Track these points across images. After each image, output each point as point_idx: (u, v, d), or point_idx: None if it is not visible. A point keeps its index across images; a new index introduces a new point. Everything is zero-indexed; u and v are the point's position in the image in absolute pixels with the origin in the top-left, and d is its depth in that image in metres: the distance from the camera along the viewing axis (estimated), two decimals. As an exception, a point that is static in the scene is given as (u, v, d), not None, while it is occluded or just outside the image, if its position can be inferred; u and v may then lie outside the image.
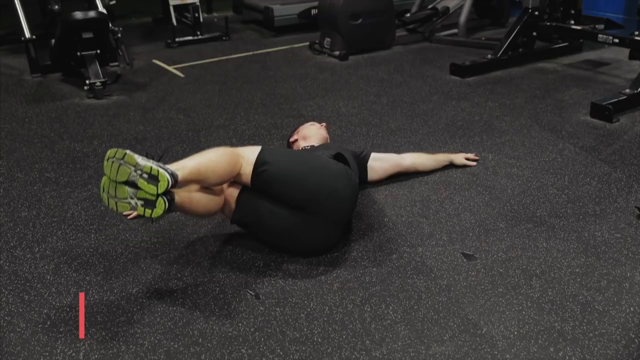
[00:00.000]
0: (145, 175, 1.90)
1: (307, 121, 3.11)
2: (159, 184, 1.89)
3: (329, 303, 2.03)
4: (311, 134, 2.88)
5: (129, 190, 1.91)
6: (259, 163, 2.16)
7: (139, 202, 1.91)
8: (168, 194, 1.94)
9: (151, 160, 1.94)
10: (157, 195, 1.90)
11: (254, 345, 1.85)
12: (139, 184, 1.89)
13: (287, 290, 2.10)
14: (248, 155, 2.19)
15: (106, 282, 2.18)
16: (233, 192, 2.23)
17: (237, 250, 2.36)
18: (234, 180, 2.20)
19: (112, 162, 1.93)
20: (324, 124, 3.03)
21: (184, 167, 2.02)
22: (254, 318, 1.97)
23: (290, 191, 2.18)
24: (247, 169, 2.16)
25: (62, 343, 1.88)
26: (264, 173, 2.16)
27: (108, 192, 1.95)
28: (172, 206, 1.98)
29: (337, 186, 2.23)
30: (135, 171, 1.90)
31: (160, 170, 1.90)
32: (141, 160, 1.92)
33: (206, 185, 2.14)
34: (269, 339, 1.88)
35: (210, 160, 2.11)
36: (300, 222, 2.20)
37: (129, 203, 1.92)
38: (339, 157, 2.43)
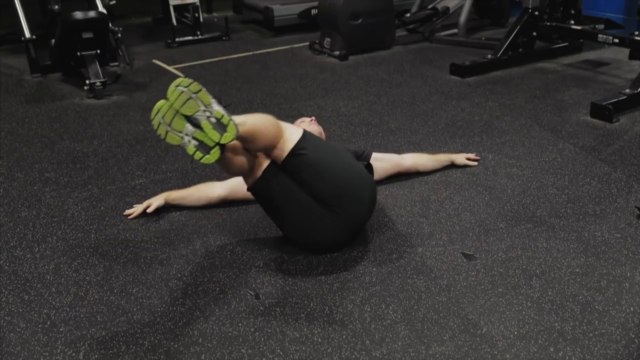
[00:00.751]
0: (213, 120, 1.83)
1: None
2: (225, 135, 1.83)
3: (329, 303, 2.03)
4: (313, 132, 2.88)
5: (188, 126, 1.84)
6: (299, 145, 2.11)
7: (193, 142, 1.83)
8: (224, 145, 1.88)
9: (223, 108, 1.88)
10: (217, 144, 1.85)
11: (254, 345, 1.85)
12: (203, 126, 1.83)
13: (287, 290, 2.10)
14: (290, 132, 2.14)
15: (106, 282, 2.18)
16: (262, 162, 2.15)
17: (237, 250, 2.36)
18: (267, 152, 2.14)
19: (182, 91, 1.84)
20: (313, 117, 3.02)
21: (244, 123, 1.96)
22: (254, 318, 1.97)
23: (321, 184, 2.14)
24: (285, 146, 2.11)
25: (62, 343, 1.88)
26: (302, 157, 2.11)
27: (163, 118, 1.86)
28: (221, 158, 1.92)
29: (365, 194, 2.23)
30: (204, 112, 1.83)
31: (231, 121, 1.85)
32: (215, 104, 1.85)
33: (248, 147, 2.09)
34: (269, 339, 1.88)
35: (263, 124, 2.08)
36: (318, 215, 2.17)
37: (182, 138, 1.85)
38: (368, 167, 2.44)
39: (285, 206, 2.19)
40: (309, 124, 2.93)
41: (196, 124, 1.84)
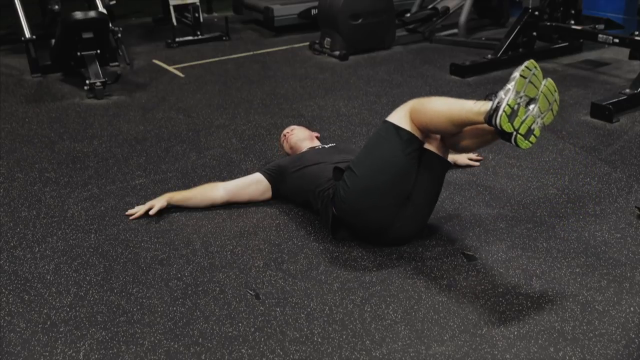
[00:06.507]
0: (534, 126, 1.94)
1: (305, 122, 3.10)
2: (524, 141, 1.93)
3: (329, 303, 2.03)
4: (300, 139, 2.90)
5: (526, 97, 1.93)
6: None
7: (516, 106, 1.90)
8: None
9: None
10: (515, 133, 1.92)
11: (254, 345, 1.85)
12: (528, 118, 1.92)
13: (287, 290, 2.10)
14: None
15: (106, 282, 2.18)
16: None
17: (237, 250, 2.36)
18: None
19: (553, 92, 1.98)
20: (285, 133, 3.02)
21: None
22: (254, 318, 1.97)
23: (434, 195, 2.32)
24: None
25: (62, 343, 1.88)
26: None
27: (533, 74, 1.93)
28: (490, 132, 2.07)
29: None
30: (539, 116, 1.95)
31: (531, 144, 1.96)
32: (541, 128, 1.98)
33: (459, 143, 2.25)
34: (269, 339, 1.88)
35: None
36: (401, 196, 2.20)
37: (520, 95, 1.91)
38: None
39: (394, 175, 2.19)
40: (288, 141, 2.93)
41: (526, 107, 1.93)
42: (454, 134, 2.18)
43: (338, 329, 1.91)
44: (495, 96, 1.92)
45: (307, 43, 5.57)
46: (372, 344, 1.84)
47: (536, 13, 4.73)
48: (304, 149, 2.84)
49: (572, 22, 4.85)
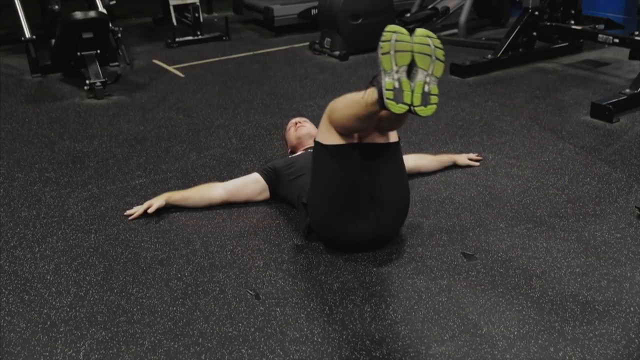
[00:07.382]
0: (426, 88, 1.80)
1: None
2: (424, 108, 1.81)
3: (329, 303, 2.03)
4: (310, 135, 2.89)
5: (405, 67, 1.79)
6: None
7: (396, 83, 1.77)
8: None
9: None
10: (410, 106, 1.81)
11: (254, 345, 1.85)
12: (416, 83, 1.79)
13: (287, 290, 2.10)
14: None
15: (106, 282, 2.18)
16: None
17: (237, 250, 2.36)
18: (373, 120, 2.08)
19: (429, 45, 1.81)
20: (298, 121, 2.98)
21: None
22: (254, 318, 1.97)
23: (394, 185, 2.24)
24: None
25: (62, 343, 1.88)
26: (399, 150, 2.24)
27: (395, 42, 1.78)
28: (393, 115, 1.89)
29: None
30: (426, 75, 1.81)
31: (436, 105, 1.83)
32: (436, 81, 1.84)
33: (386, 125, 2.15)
34: (269, 339, 1.88)
35: None
36: (363, 201, 2.17)
37: (394, 70, 1.78)
38: None
39: (355, 180, 2.14)
40: (297, 131, 2.91)
41: (410, 75, 1.80)
42: (374, 123, 2.10)
43: (338, 329, 1.91)
44: (376, 81, 1.82)
45: (307, 43, 5.57)
46: (372, 344, 1.84)
47: (536, 13, 4.73)
48: (306, 147, 2.84)
49: (572, 22, 4.85)
